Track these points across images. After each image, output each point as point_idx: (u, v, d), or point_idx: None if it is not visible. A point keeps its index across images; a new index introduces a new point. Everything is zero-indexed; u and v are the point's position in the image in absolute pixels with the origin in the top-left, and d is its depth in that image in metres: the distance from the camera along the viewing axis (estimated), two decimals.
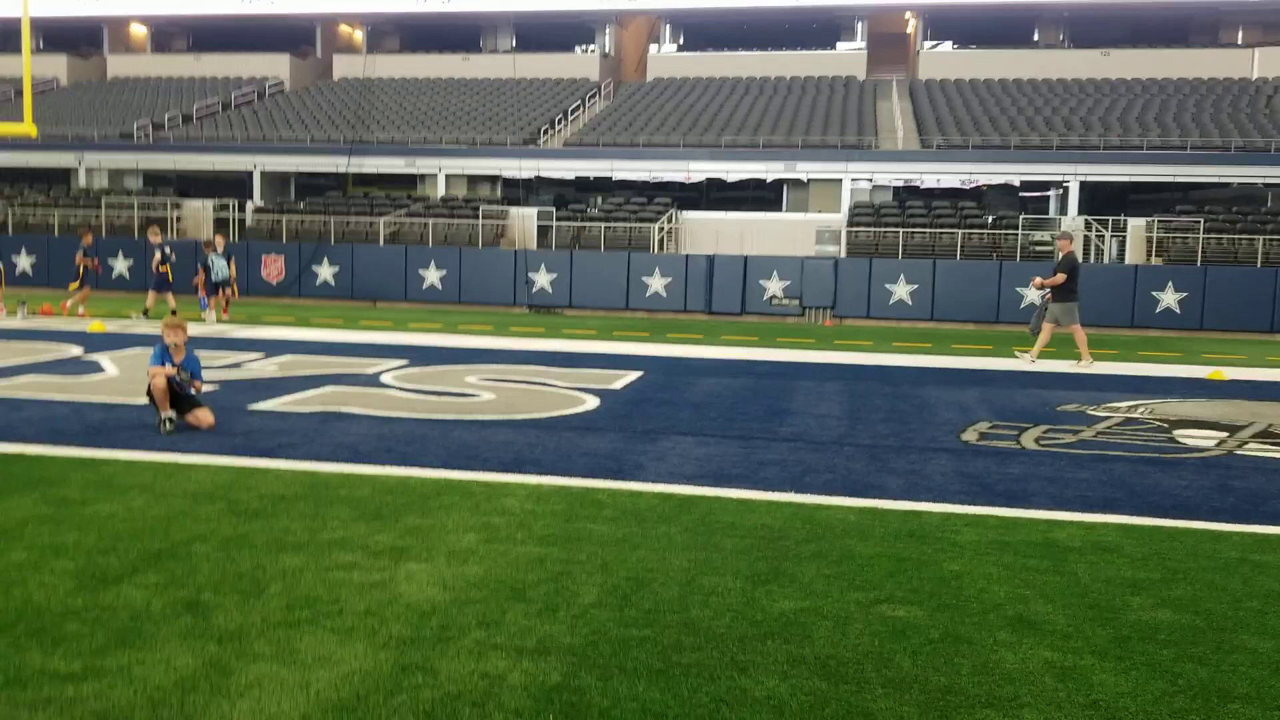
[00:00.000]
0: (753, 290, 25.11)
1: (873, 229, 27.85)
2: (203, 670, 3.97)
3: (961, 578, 5.16)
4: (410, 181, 34.85)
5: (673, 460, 7.92)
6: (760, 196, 32.87)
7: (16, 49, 19.29)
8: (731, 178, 32.39)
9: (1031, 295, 16.41)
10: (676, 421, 9.72)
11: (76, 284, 19.59)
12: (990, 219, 28.25)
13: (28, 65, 19.16)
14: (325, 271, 26.82)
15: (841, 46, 42.94)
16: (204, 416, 8.82)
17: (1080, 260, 16.48)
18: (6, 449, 7.79)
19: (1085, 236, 27.28)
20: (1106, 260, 26.77)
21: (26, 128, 19.20)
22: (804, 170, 31.56)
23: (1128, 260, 26.43)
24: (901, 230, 27.30)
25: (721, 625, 4.49)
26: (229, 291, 20.12)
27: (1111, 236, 27.15)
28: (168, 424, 8.59)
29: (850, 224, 28.37)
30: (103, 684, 3.85)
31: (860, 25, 42.78)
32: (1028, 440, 9.00)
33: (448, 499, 6.57)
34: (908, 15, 43.13)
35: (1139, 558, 5.57)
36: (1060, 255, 15.76)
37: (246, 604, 4.66)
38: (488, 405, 10.38)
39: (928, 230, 27.40)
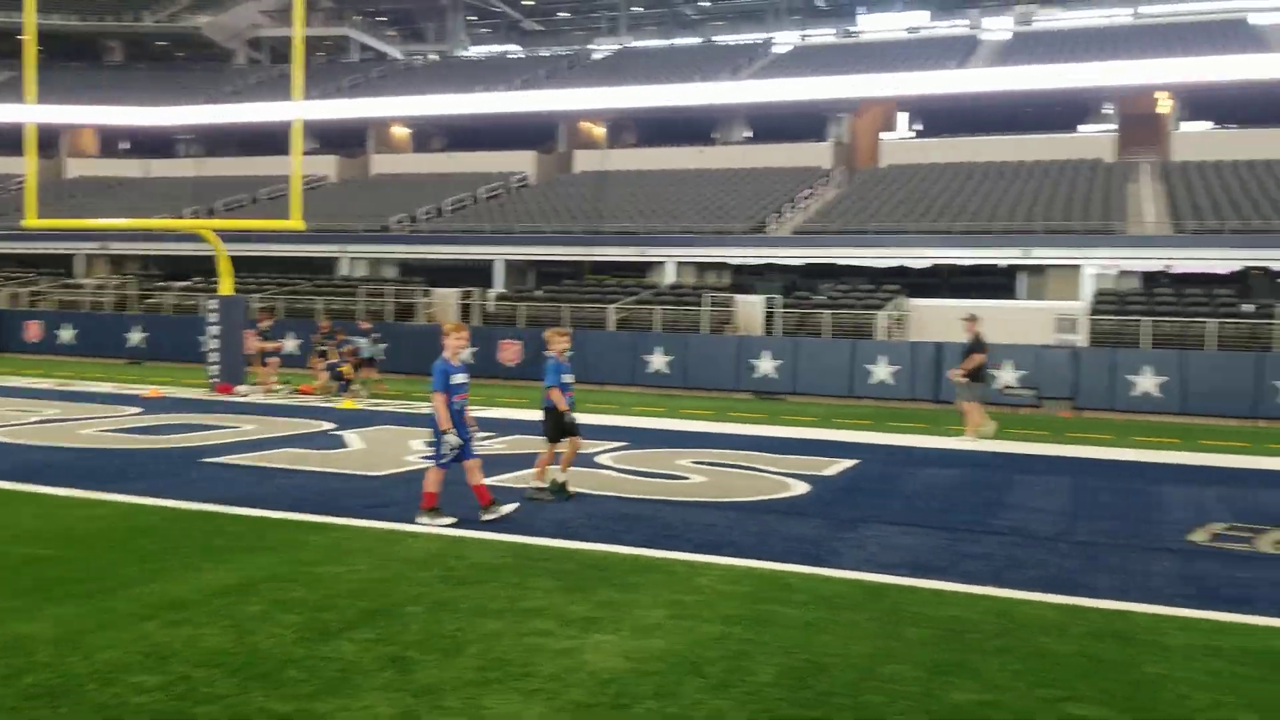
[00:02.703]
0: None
1: (1118, 317, 26.50)
2: None
3: (1160, 682, 4.90)
4: (641, 269, 36.01)
5: (872, 548, 7.85)
6: (994, 283, 31.91)
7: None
8: (964, 263, 31.67)
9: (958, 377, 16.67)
10: (884, 511, 9.60)
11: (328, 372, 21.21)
12: (1250, 307, 26.31)
13: (298, 168, 21.27)
14: None
15: (1087, 129, 41.39)
16: (578, 443, 9.79)
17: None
18: (258, 513, 8.63)
19: None
20: None
21: (296, 223, 21.26)
22: (1041, 255, 30.44)
23: None
24: (1150, 319, 25.84)
25: (894, 713, 4.46)
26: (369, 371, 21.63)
27: None
28: (550, 494, 9.56)
29: (1093, 312, 27.11)
30: None
31: (1109, 107, 41.20)
32: (1264, 543, 8.35)
33: (644, 576, 6.79)
34: (1161, 95, 41.19)
35: None
36: (970, 336, 16.63)
37: (445, 662, 5.00)
38: (697, 488, 10.58)
39: (1179, 319, 25.81)
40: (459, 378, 8.51)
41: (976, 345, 16.45)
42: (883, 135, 44.35)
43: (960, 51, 47.13)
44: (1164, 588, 6.80)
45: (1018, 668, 5.06)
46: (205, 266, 37.66)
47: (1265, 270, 29.97)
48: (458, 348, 8.59)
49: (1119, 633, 5.71)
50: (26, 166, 23.62)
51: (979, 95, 41.90)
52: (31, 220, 22.93)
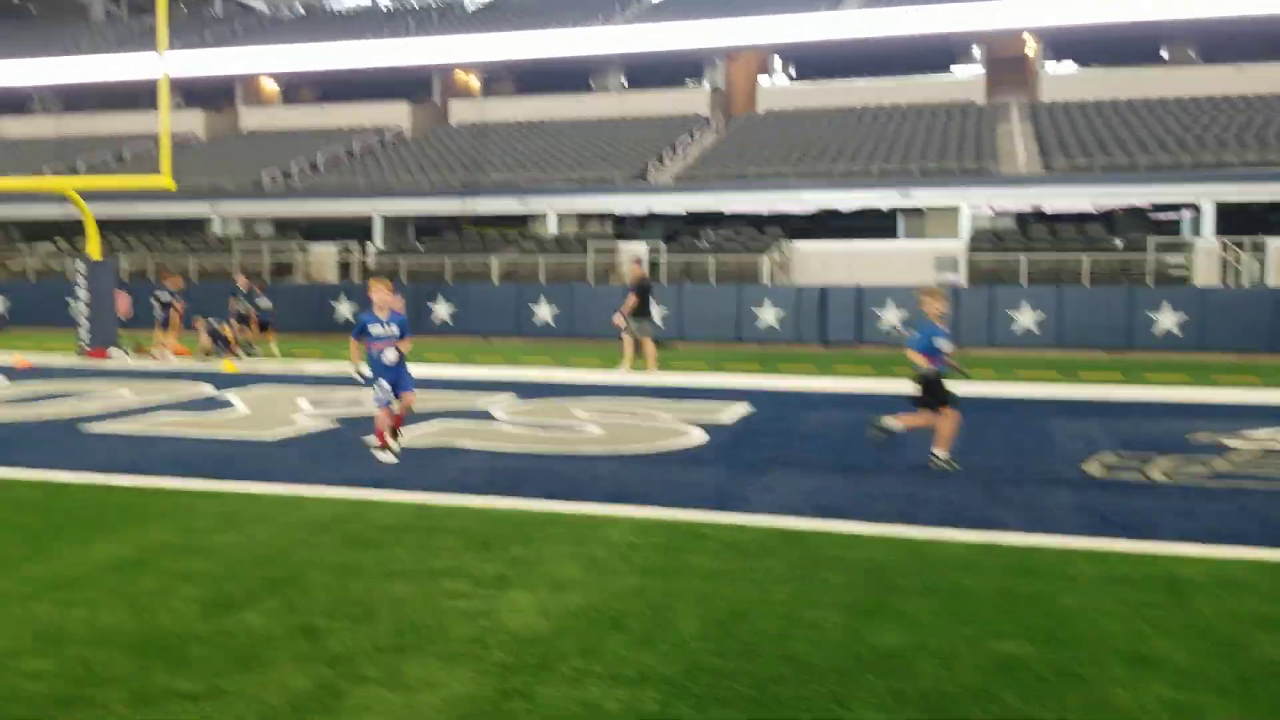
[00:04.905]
0: (868, 320, 24.77)
1: (995, 255, 27.24)
2: (315, 692, 4.11)
3: (1076, 613, 4.99)
4: (523, 221, 35.54)
5: (778, 493, 7.86)
6: (874, 225, 32.45)
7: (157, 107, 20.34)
8: (845, 207, 32.09)
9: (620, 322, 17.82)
10: (784, 454, 9.65)
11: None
12: (1119, 242, 27.33)
13: (165, 124, 20.13)
14: (442, 310, 27.49)
15: (958, 71, 42.26)
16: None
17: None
18: (143, 482, 8.20)
19: (1222, 258, 26.14)
20: (1247, 283, 25.59)
21: (165, 181, 20.23)
22: (920, 198, 31.06)
23: (1270, 282, 25.22)
24: (1025, 256, 26.62)
25: (821, 659, 4.43)
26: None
27: (1251, 258, 25.97)
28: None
29: (971, 250, 27.79)
30: (222, 704, 4.02)
31: (978, 49, 42.07)
32: (1154, 471, 8.65)
33: (551, 530, 6.65)
34: (1027, 37, 42.24)
35: (1269, 593, 5.30)
36: (633, 278, 17.80)
37: (357, 629, 4.80)
38: (594, 439, 10.46)
39: (1053, 255, 26.65)
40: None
41: (636, 287, 17.47)
42: (760, 80, 44.47)
43: None
44: (1066, 519, 6.97)
45: (937, 607, 5.09)
46: (65, 229, 35.78)
47: (1132, 207, 31.15)
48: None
49: (1028, 567, 5.81)
50: None
51: (852, 41, 42.28)
52: None
